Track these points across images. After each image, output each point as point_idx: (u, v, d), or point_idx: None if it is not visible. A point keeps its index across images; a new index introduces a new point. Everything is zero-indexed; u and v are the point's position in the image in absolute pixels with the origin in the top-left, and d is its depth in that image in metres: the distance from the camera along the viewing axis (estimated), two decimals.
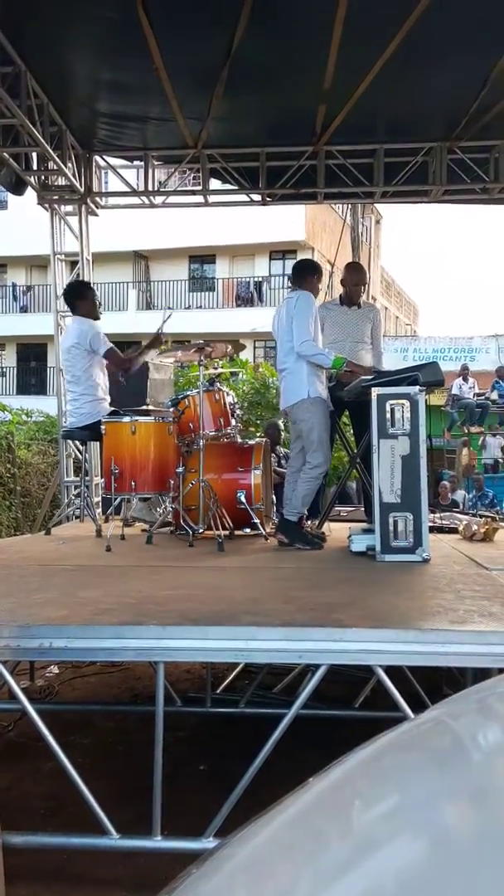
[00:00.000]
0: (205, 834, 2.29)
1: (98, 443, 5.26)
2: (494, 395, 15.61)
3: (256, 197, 7.69)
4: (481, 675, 2.48)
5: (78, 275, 7.62)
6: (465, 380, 15.71)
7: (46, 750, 2.39)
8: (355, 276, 5.52)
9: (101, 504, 6.54)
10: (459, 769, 0.96)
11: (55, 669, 4.58)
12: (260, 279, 25.02)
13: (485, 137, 7.00)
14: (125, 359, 5.25)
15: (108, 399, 5.30)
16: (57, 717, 3.43)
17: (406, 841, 0.81)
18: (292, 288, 4.91)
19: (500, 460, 15.40)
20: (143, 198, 7.75)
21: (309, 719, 3.19)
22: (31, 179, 7.22)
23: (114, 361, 5.20)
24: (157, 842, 2.33)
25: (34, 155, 7.01)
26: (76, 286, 5.73)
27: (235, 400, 5.65)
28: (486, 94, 6.00)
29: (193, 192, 7.92)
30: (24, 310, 26.08)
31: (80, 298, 5.42)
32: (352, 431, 5.71)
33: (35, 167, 7.14)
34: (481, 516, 6.19)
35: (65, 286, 5.96)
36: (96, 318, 5.37)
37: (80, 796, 2.33)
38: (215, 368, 5.48)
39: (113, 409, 5.23)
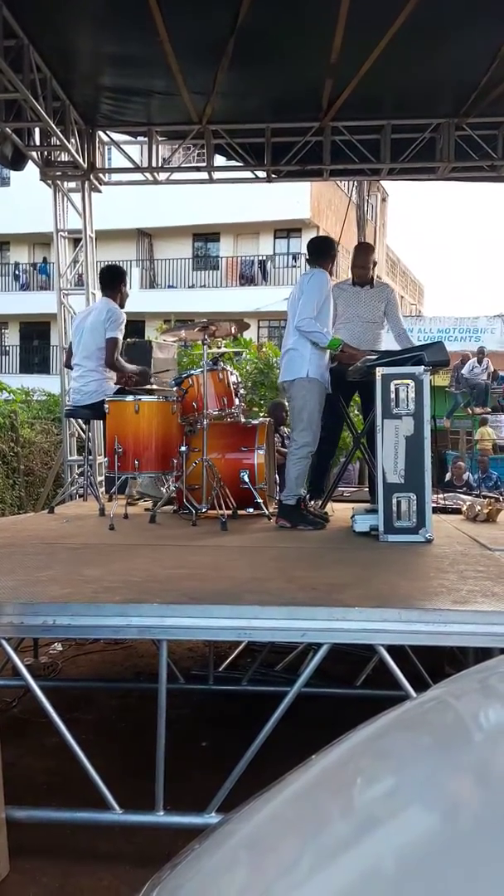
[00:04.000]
0: (207, 810, 2.32)
1: (101, 421, 5.25)
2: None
3: (261, 174, 7.60)
4: (483, 654, 2.49)
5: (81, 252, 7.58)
6: (480, 361, 15.65)
7: (50, 726, 2.40)
8: (356, 257, 5.47)
9: (104, 483, 6.54)
10: (461, 748, 0.96)
11: (59, 647, 4.61)
12: (264, 258, 24.85)
13: (494, 114, 6.90)
14: (116, 358, 5.24)
15: (115, 379, 5.30)
16: (60, 694, 3.46)
17: (407, 819, 0.81)
18: (309, 266, 4.89)
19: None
20: (147, 174, 7.68)
21: (311, 697, 3.21)
22: (34, 155, 7.15)
23: (108, 350, 5.19)
24: (160, 817, 2.35)
25: (37, 130, 6.93)
26: (119, 271, 5.70)
27: (239, 380, 5.63)
28: (496, 68, 5.90)
29: (198, 169, 7.84)
30: (25, 288, 25.96)
31: (119, 283, 5.49)
32: (357, 411, 5.69)
33: (38, 142, 7.07)
34: (485, 497, 6.19)
35: (104, 266, 5.89)
36: (123, 305, 5.42)
37: (83, 772, 2.35)
38: (219, 348, 5.44)
39: (119, 386, 5.23)
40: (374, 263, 5.59)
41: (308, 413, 4.55)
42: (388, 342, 5.48)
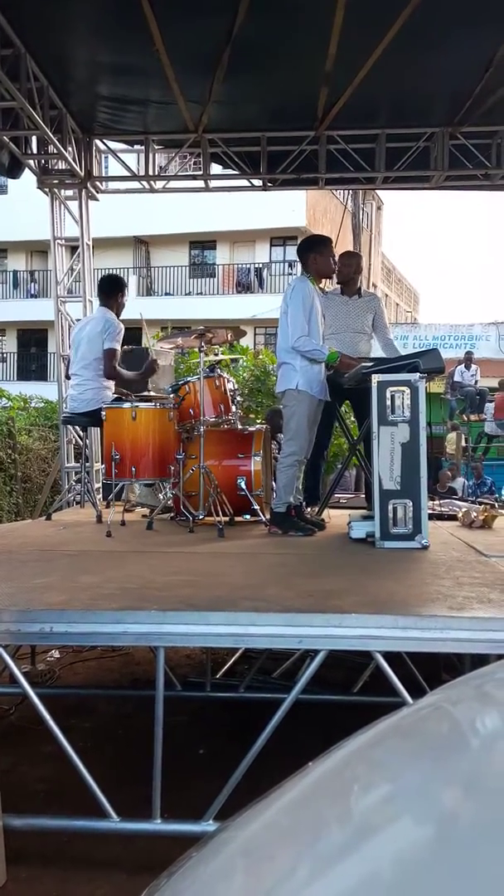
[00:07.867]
0: (204, 817, 2.31)
1: (98, 429, 5.26)
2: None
3: (257, 182, 7.64)
4: (479, 661, 2.50)
5: (78, 260, 7.60)
6: (468, 367, 15.66)
7: (47, 733, 2.40)
8: (340, 263, 5.47)
9: (101, 490, 6.54)
10: (458, 755, 0.96)
11: (56, 654, 4.61)
12: (260, 265, 24.91)
13: (487, 123, 6.94)
14: (114, 368, 5.23)
15: (112, 388, 5.31)
16: (58, 702, 3.45)
17: (404, 826, 0.81)
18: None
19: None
20: (144, 182, 7.70)
21: (308, 704, 3.21)
22: (31, 163, 7.17)
23: (106, 361, 5.19)
24: (157, 825, 2.35)
25: (34, 138, 6.96)
26: (119, 281, 5.69)
27: (236, 387, 5.64)
28: (490, 77, 5.94)
29: (194, 177, 7.88)
30: (24, 295, 25.99)
31: (118, 294, 5.48)
32: (352, 418, 5.70)
33: (35, 151, 7.09)
34: (480, 503, 6.19)
35: (104, 276, 5.83)
36: (119, 315, 5.42)
37: (80, 779, 2.35)
38: (216, 355, 5.45)
39: (117, 396, 5.23)
40: (360, 271, 5.60)
41: (296, 423, 4.58)
42: (375, 352, 5.51)
